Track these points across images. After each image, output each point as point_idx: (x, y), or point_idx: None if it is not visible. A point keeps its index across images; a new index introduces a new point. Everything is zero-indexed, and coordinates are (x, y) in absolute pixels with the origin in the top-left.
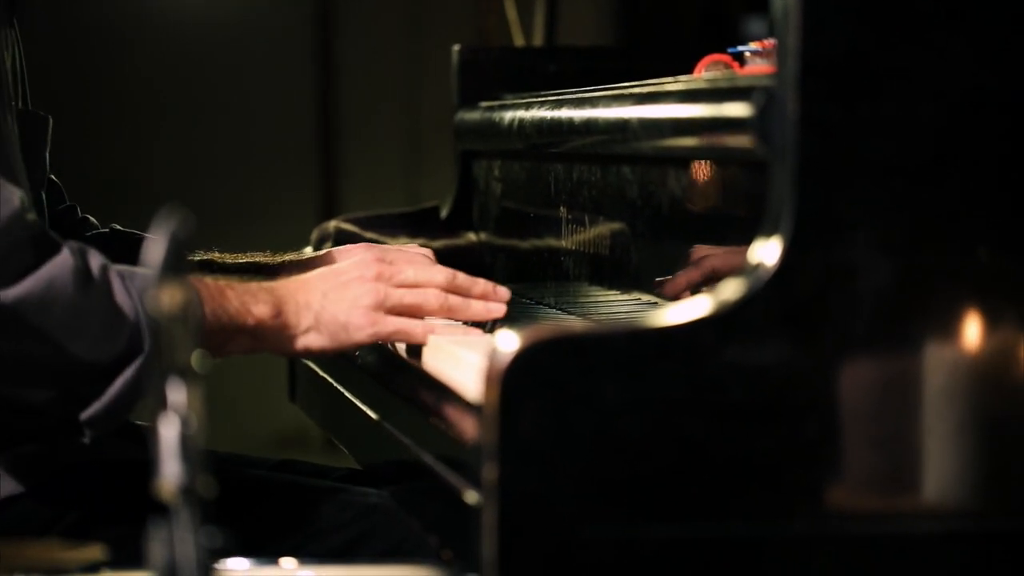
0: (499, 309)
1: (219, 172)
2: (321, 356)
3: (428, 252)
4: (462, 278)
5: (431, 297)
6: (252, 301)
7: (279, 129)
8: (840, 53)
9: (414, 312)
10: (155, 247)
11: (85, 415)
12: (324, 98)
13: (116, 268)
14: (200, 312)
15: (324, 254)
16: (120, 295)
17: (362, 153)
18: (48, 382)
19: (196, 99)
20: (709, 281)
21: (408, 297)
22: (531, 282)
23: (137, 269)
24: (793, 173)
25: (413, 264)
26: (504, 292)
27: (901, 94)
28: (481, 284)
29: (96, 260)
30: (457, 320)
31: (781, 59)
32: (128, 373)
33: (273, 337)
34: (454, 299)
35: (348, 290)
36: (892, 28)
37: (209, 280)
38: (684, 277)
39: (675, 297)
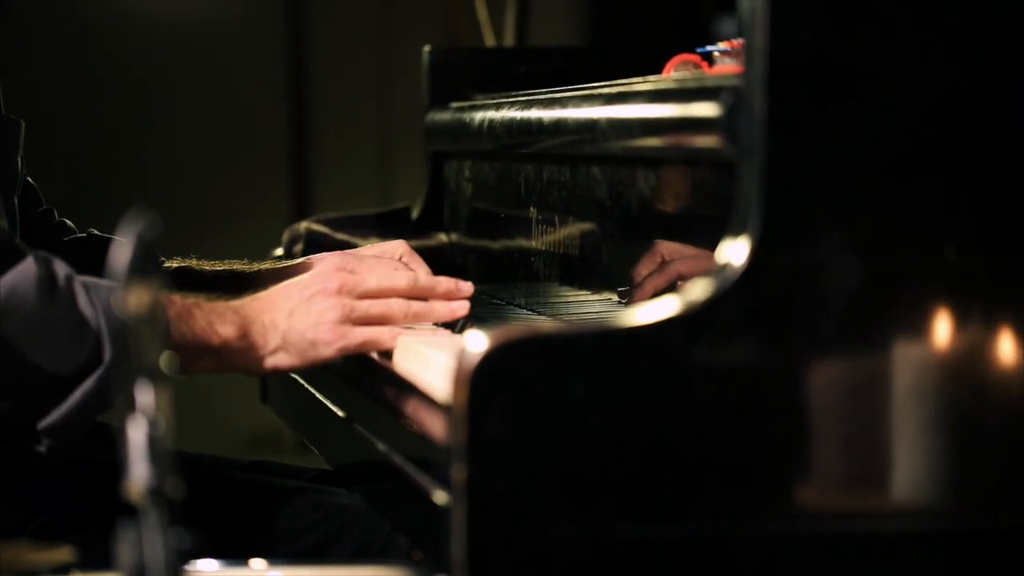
0: (463, 307)
1: (192, 174)
2: (291, 372)
3: (402, 242)
4: (424, 280)
5: (395, 307)
6: (218, 321)
7: (252, 130)
8: (807, 53)
9: (380, 322)
10: (122, 249)
11: (43, 424)
12: (296, 99)
13: (81, 279)
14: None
15: (300, 263)
16: (84, 305)
17: (334, 154)
18: (7, 390)
19: (169, 101)
20: (677, 284)
21: (373, 308)
22: (502, 283)
23: (102, 281)
24: (760, 173)
25: (375, 270)
26: (467, 286)
27: (869, 94)
28: (444, 283)
29: (62, 270)
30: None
31: (749, 59)
32: (88, 384)
33: (240, 357)
34: (417, 306)
35: (312, 306)
36: (859, 28)
37: (176, 298)
38: (651, 283)
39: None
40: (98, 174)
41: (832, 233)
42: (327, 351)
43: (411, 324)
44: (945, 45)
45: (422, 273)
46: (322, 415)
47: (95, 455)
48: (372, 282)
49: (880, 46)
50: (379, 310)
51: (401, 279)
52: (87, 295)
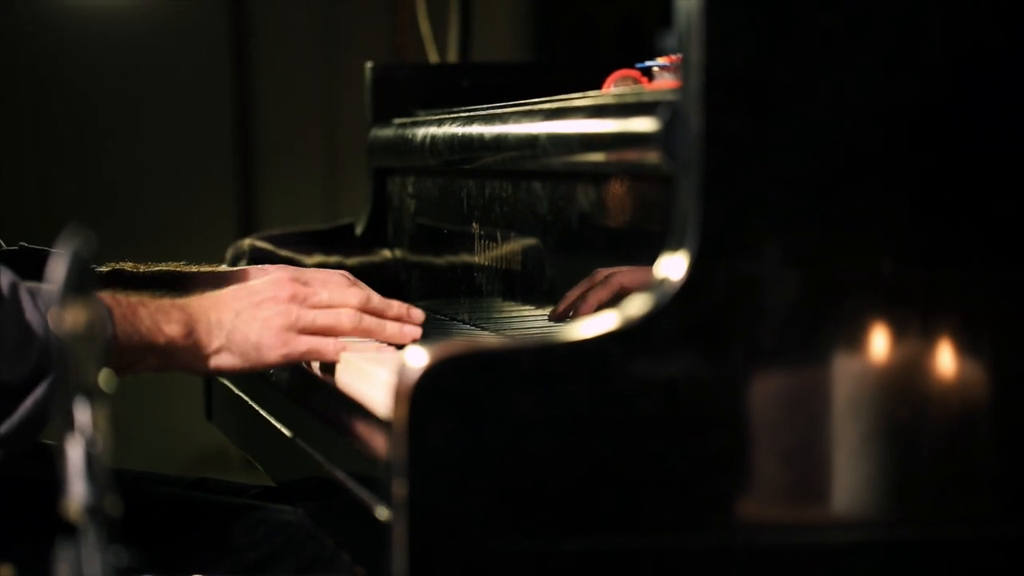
0: (414, 331)
1: (136, 189)
2: (233, 375)
3: (345, 273)
4: (376, 300)
5: (344, 317)
6: (164, 319)
7: (196, 146)
8: (743, 67)
9: (327, 333)
10: (58, 266)
11: None
12: (241, 116)
13: (26, 285)
14: (110, 330)
15: (240, 270)
16: (30, 313)
17: (280, 171)
18: None
19: (112, 115)
20: (619, 298)
21: (321, 318)
22: (446, 298)
23: (48, 286)
24: (698, 187)
25: (328, 285)
26: (418, 314)
27: (804, 107)
28: (396, 306)
29: (5, 278)
30: (372, 340)
31: (685, 73)
32: (39, 392)
33: (184, 356)
34: (368, 320)
35: (261, 310)
36: (795, 41)
37: (121, 297)
38: (594, 296)
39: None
40: (40, 191)
41: (770, 246)
42: (270, 355)
43: (358, 338)
44: (880, 57)
45: (375, 294)
46: (266, 432)
47: (33, 473)
48: (324, 295)
49: (815, 59)
50: (326, 321)
51: (353, 296)
52: (33, 302)
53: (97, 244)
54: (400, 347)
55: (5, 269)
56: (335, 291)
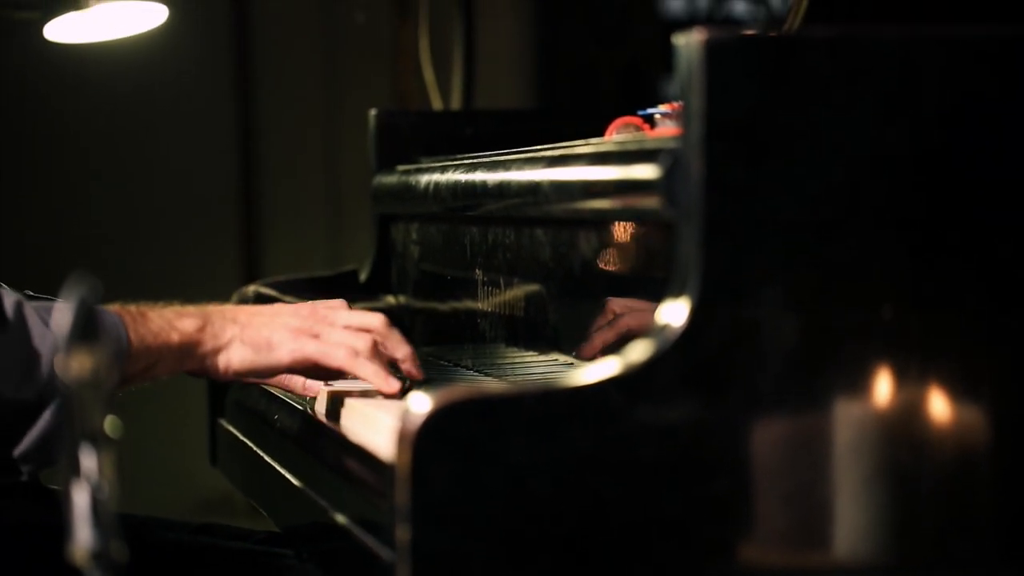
0: (417, 375)
1: (139, 236)
2: (242, 377)
3: (342, 303)
4: (394, 338)
5: (360, 340)
6: (176, 317)
7: (200, 193)
8: (744, 114)
9: (339, 346)
10: (63, 314)
11: (18, 452)
12: (245, 162)
13: (32, 304)
14: (124, 337)
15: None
16: (37, 332)
17: (284, 217)
18: None
19: (116, 164)
20: (625, 341)
21: (336, 334)
22: (449, 344)
23: (51, 303)
24: (699, 234)
25: (352, 313)
26: (417, 374)
27: (804, 154)
28: (408, 349)
29: (9, 298)
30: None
31: (686, 121)
32: (54, 407)
33: (198, 352)
34: (384, 346)
35: (279, 317)
36: (795, 89)
37: (131, 306)
38: (600, 338)
39: (592, 359)
40: (44, 239)
41: (770, 292)
42: (281, 351)
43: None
44: (878, 105)
45: (396, 332)
46: (270, 477)
47: (39, 518)
48: (345, 317)
49: (814, 107)
50: (341, 337)
51: (375, 321)
52: (39, 319)
53: (103, 291)
54: (403, 387)
55: (8, 290)
56: (355, 315)
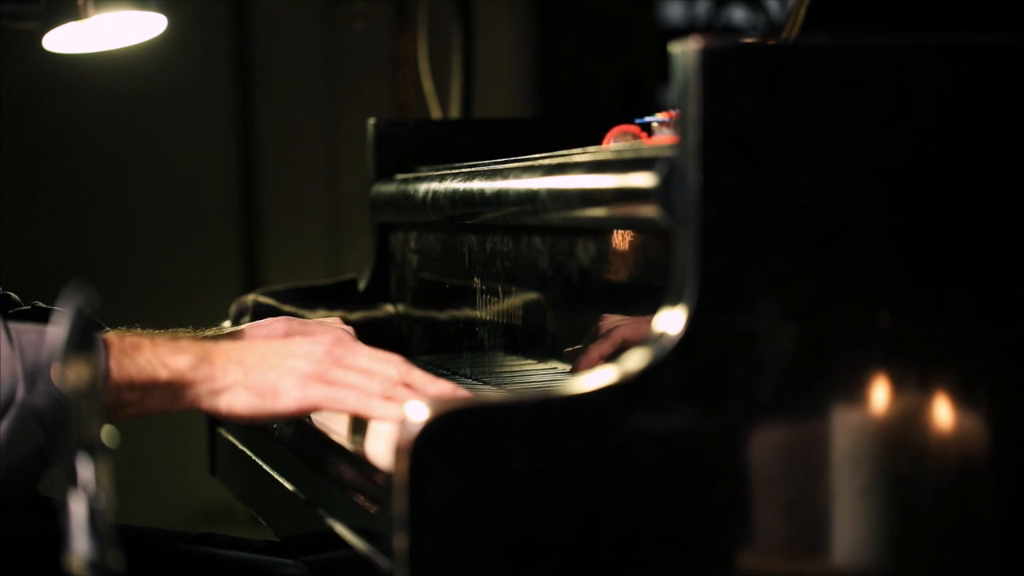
0: None
1: (139, 245)
2: (244, 422)
3: (349, 330)
4: (418, 376)
5: (376, 382)
6: (170, 354)
7: (200, 202)
8: (740, 122)
9: (352, 390)
10: (60, 323)
11: None
12: (244, 171)
13: (12, 324)
14: (103, 367)
15: (240, 330)
16: (3, 350)
17: (283, 226)
18: None
19: (116, 174)
20: (621, 350)
21: (352, 378)
22: (448, 353)
23: (32, 326)
24: (696, 242)
25: (369, 353)
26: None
27: (801, 163)
28: (440, 386)
29: None
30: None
31: (682, 129)
32: (2, 427)
33: (192, 392)
34: (401, 389)
35: (289, 359)
36: (791, 98)
37: (129, 335)
38: (596, 349)
39: (589, 368)
40: (44, 248)
41: (767, 301)
42: (287, 398)
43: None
44: (874, 114)
45: (418, 371)
46: (269, 486)
47: (37, 528)
48: (363, 361)
49: (811, 116)
50: (357, 381)
51: (392, 368)
52: (7, 335)
53: (99, 301)
54: None
55: None
56: (375, 358)
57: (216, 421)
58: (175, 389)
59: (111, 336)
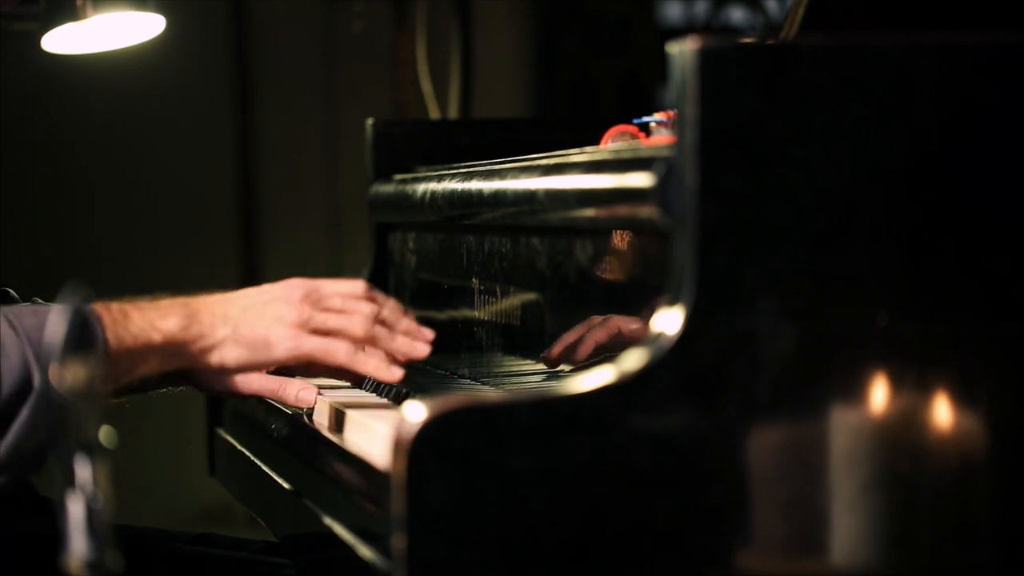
0: (423, 349)
1: (138, 245)
2: (238, 373)
3: (363, 282)
4: (388, 311)
5: (356, 323)
6: (159, 316)
7: (198, 203)
8: (738, 122)
9: (338, 335)
10: (57, 324)
11: None
12: (243, 171)
13: (4, 308)
14: (101, 337)
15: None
16: (6, 334)
17: (282, 227)
18: None
19: (115, 174)
20: (618, 347)
21: (332, 320)
22: (446, 353)
23: (27, 308)
24: (693, 242)
25: (342, 292)
26: (428, 333)
27: (799, 162)
28: (406, 321)
29: None
30: (379, 350)
31: (680, 129)
32: (23, 414)
33: (186, 351)
34: (379, 329)
35: (271, 307)
36: (789, 97)
37: (114, 304)
38: (591, 339)
39: (585, 360)
40: (44, 248)
41: (765, 300)
42: (279, 349)
43: (368, 345)
44: (873, 113)
45: (390, 304)
46: (267, 486)
47: (35, 529)
48: (337, 301)
49: (809, 115)
50: (338, 323)
51: (366, 305)
52: (8, 323)
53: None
54: (396, 397)
55: None
56: (348, 299)
57: (216, 421)
58: (169, 351)
59: (100, 308)
